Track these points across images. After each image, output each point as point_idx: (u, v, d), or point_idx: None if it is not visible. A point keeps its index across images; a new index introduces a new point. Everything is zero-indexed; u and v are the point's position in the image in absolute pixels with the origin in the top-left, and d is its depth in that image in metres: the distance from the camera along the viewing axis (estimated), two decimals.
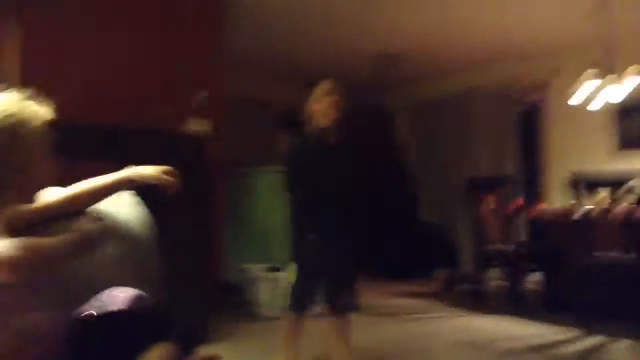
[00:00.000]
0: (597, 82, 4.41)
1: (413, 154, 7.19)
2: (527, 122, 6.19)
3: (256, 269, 3.92)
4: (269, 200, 4.54)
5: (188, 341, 1.87)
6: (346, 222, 2.81)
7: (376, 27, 5.24)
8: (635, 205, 3.56)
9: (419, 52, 6.02)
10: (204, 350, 2.44)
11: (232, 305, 4.01)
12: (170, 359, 1.77)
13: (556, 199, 5.39)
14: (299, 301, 2.71)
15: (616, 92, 4.44)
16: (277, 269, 3.93)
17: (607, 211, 3.59)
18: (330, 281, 2.74)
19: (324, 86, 2.81)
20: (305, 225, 2.69)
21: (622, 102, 5.10)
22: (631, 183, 3.55)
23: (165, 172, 1.71)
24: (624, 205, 3.63)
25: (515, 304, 4.30)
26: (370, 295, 4.72)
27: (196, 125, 3.86)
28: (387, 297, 4.87)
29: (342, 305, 2.74)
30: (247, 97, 6.47)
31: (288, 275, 3.87)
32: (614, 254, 3.56)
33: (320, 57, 6.09)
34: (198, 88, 3.93)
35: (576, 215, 3.78)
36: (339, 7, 4.63)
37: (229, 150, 4.41)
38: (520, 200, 4.55)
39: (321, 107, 2.75)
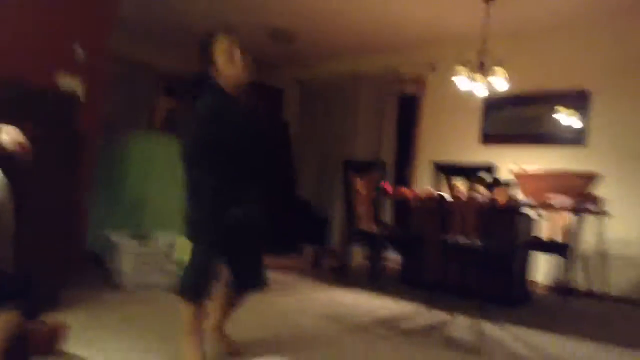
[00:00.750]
0: (467, 79, 4.78)
1: (297, 131, 7.33)
2: (406, 112, 6.55)
3: (119, 237, 3.82)
4: (142, 167, 4.42)
5: (34, 308, 1.84)
6: (262, 197, 2.45)
7: (271, 2, 5.26)
8: (483, 195, 3.92)
9: (312, 32, 6.13)
10: (55, 318, 2.40)
11: (93, 274, 3.91)
12: (12, 326, 1.74)
13: (422, 185, 5.80)
14: (203, 287, 2.26)
15: (484, 89, 4.85)
16: (143, 237, 3.86)
17: (460, 199, 3.92)
18: (246, 258, 2.43)
19: (223, 43, 2.35)
20: (226, 199, 2.25)
21: (488, 100, 5.59)
22: (480, 174, 3.89)
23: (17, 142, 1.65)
24: (474, 194, 3.99)
25: (374, 281, 4.60)
26: None
27: (67, 82, 3.67)
28: None
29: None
30: (129, 59, 6.22)
31: (176, 254, 3.84)
32: (463, 238, 3.92)
33: (212, 28, 5.99)
34: (73, 42, 3.74)
35: (431, 201, 4.11)
36: None
37: (103, 112, 4.23)
38: (387, 184, 4.84)
39: (229, 68, 2.32)
